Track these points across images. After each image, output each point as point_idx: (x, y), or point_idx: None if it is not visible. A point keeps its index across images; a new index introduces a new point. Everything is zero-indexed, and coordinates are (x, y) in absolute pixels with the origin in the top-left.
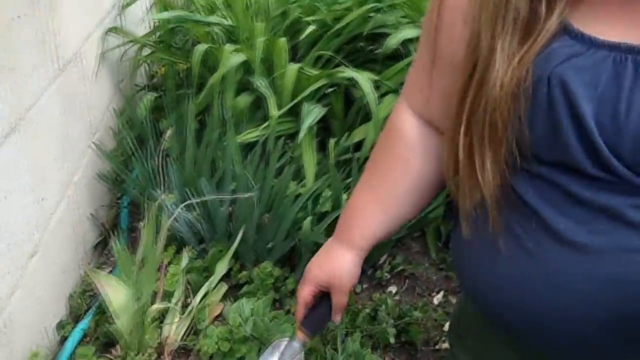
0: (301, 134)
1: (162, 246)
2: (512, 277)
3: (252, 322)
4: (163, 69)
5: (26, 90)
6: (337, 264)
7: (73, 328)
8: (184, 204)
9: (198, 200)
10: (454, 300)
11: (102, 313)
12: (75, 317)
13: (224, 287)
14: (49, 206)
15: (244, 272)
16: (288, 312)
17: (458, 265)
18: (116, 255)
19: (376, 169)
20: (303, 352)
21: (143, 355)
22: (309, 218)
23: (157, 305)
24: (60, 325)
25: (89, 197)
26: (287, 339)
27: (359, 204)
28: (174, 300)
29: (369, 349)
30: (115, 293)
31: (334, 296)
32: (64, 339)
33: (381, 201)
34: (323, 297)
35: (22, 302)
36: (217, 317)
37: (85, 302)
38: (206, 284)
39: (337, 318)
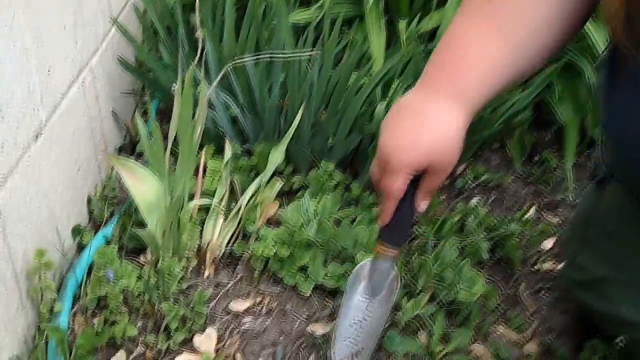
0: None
1: (200, 131)
2: None
3: (317, 222)
4: None
5: None
6: (439, 131)
7: (93, 236)
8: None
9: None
10: (548, 216)
11: (129, 216)
12: (95, 224)
13: (278, 183)
14: (58, 83)
15: (298, 177)
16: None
17: (614, 126)
18: (143, 141)
19: None
20: (396, 271)
21: (180, 261)
22: (382, 104)
23: (196, 202)
24: (77, 231)
25: (109, 90)
26: (369, 260)
27: (472, 38)
28: (215, 198)
29: (468, 259)
30: (144, 185)
31: (428, 179)
32: (81, 248)
33: (506, 35)
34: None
35: (22, 190)
36: (270, 221)
37: (108, 209)
38: (257, 179)
39: (422, 206)
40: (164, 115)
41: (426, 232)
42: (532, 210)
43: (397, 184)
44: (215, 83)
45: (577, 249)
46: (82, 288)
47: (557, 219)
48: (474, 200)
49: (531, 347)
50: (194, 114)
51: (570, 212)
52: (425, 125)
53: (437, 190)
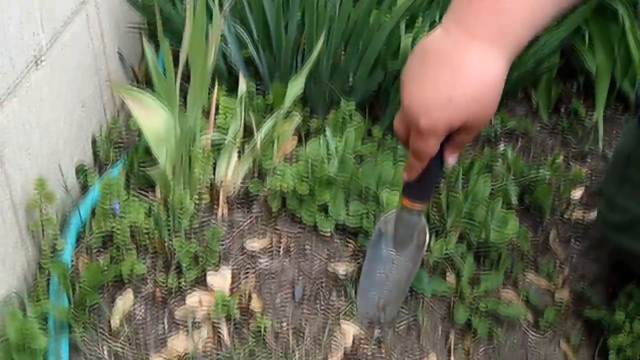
0: None
1: (213, 57)
2: None
3: (338, 158)
4: None
5: None
6: (479, 82)
7: (98, 177)
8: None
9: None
10: (576, 167)
11: (137, 158)
12: (100, 167)
13: (297, 117)
14: (58, 8)
15: (316, 119)
16: None
17: None
18: (152, 68)
19: None
20: (424, 222)
21: (191, 196)
22: (408, 38)
23: (208, 136)
24: (81, 170)
25: (115, 28)
26: (393, 213)
27: None
28: (229, 134)
29: (500, 198)
30: (153, 116)
31: (462, 134)
32: (85, 190)
33: None
34: None
35: (22, 117)
36: (287, 159)
37: (114, 153)
38: (274, 114)
39: (452, 160)
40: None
41: (456, 170)
42: (559, 161)
43: (430, 147)
44: (228, 3)
45: (616, 189)
46: (87, 228)
47: (586, 170)
48: (502, 147)
49: (562, 295)
50: (206, 37)
51: (600, 163)
52: (462, 76)
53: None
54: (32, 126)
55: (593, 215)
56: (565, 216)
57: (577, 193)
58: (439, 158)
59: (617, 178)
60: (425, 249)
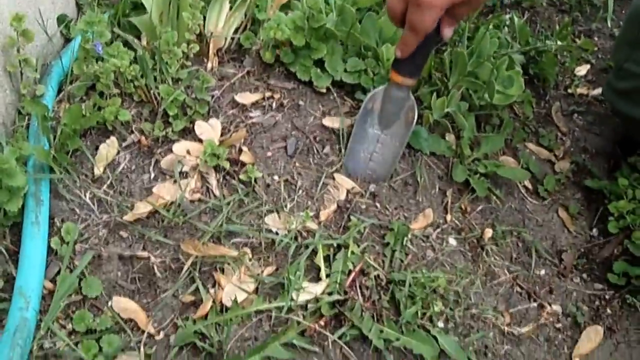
0: None
1: None
2: None
3: (337, 9)
4: None
5: None
6: None
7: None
8: None
9: None
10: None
11: (123, 13)
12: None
13: None
14: None
15: None
16: None
17: None
18: None
19: None
20: (413, 100)
21: (178, 45)
22: None
23: None
24: (62, 19)
25: None
26: (381, 89)
27: None
28: None
29: (506, 57)
30: None
31: (462, 7)
32: (68, 42)
33: None
34: None
35: None
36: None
37: (100, 9)
38: None
39: (448, 33)
40: None
41: (461, 27)
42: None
43: (428, 22)
44: None
45: (626, 55)
46: (69, 78)
47: (594, 47)
48: (508, 16)
49: (563, 165)
50: None
51: (607, 41)
52: None
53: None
54: None
55: (597, 91)
56: (570, 90)
57: (582, 70)
58: (436, 32)
59: (628, 43)
60: (413, 127)
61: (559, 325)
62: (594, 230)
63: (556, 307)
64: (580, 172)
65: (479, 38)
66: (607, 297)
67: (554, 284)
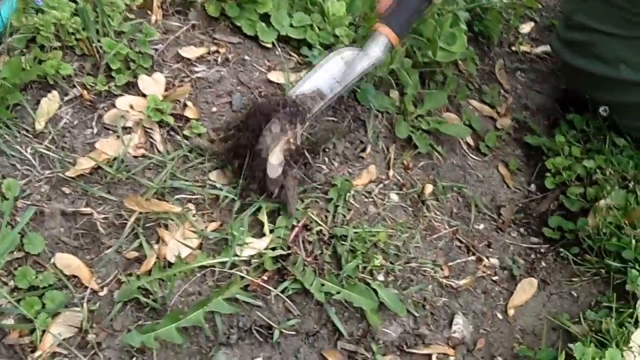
0: None
1: None
2: None
3: None
4: None
5: None
6: None
7: None
8: None
9: None
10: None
11: None
12: None
13: None
14: None
15: None
16: None
17: None
18: None
19: None
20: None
21: None
22: None
23: None
24: None
25: None
26: (355, 48)
27: None
28: None
29: (450, 15)
30: None
31: None
32: None
33: None
34: None
35: None
36: None
37: None
38: None
39: None
40: None
41: None
42: None
43: None
44: None
45: (577, 5)
46: (7, 31)
47: (538, 5)
48: None
49: (504, 122)
50: None
51: None
52: None
53: None
54: None
55: (541, 49)
56: (513, 48)
57: (526, 27)
58: None
59: None
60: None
61: (495, 278)
62: (532, 185)
63: (494, 260)
64: (521, 128)
65: None
66: (542, 250)
67: (492, 238)
